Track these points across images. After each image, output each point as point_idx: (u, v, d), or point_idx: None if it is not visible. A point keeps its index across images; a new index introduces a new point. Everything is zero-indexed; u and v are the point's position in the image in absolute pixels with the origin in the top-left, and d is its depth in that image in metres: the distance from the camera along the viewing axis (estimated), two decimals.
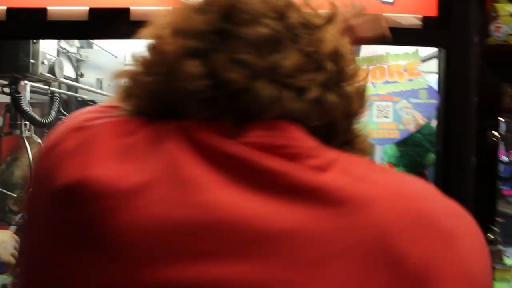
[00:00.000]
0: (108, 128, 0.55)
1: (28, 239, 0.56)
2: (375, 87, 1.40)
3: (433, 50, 1.50)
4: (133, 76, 0.57)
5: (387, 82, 1.40)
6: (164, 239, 0.46)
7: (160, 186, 0.48)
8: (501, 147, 1.69)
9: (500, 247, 1.45)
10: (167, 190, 0.48)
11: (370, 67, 1.39)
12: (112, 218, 0.46)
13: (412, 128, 1.43)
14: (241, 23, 0.54)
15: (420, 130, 1.56)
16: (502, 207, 2.22)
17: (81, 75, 1.84)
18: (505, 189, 2.01)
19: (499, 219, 1.69)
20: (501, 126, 1.54)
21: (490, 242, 1.41)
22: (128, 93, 0.58)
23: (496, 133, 1.39)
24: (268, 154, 0.50)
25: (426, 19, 1.27)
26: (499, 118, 1.45)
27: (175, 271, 0.46)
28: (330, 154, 0.53)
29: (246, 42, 0.53)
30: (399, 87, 1.40)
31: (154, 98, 0.56)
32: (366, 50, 1.50)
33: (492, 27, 1.38)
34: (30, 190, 0.55)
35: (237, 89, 0.52)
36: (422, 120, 1.43)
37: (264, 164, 0.49)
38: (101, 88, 1.96)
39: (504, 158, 1.70)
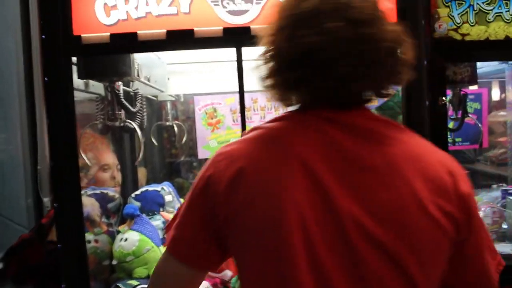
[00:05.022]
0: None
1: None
2: None
3: None
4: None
5: None
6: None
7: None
8: (450, 109, 2.21)
9: None
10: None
11: None
12: None
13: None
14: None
15: (392, 99, 2.05)
16: None
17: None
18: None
19: None
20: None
21: None
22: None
23: (444, 98, 1.88)
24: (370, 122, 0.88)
25: None
26: (446, 87, 1.91)
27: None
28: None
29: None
30: None
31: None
32: None
33: (437, 25, 1.88)
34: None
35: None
36: (392, 92, 1.98)
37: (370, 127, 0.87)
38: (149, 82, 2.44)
39: (453, 116, 2.12)
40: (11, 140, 2.73)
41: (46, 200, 2.45)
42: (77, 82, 1.94)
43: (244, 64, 1.82)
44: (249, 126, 2.60)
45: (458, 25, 1.88)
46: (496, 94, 3.01)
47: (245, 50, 1.82)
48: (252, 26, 1.79)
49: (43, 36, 1.76)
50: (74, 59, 1.84)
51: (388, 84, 0.92)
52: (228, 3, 1.75)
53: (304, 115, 0.90)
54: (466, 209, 0.87)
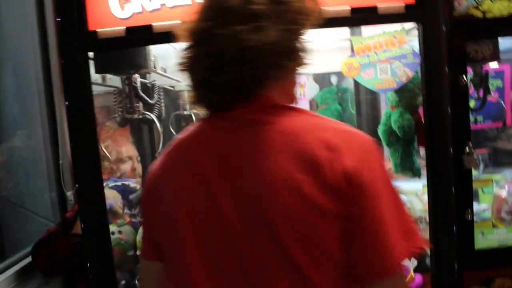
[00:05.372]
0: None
1: None
2: (377, 54, 1.94)
3: (413, 25, 1.94)
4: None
5: (385, 50, 1.93)
6: None
7: None
8: (472, 87, 2.16)
9: (474, 155, 1.85)
10: None
11: (372, 42, 1.93)
12: None
13: (404, 79, 1.95)
14: None
15: (411, 80, 1.99)
16: None
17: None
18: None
19: None
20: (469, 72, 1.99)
21: (468, 153, 1.86)
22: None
23: (464, 77, 1.84)
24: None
25: (407, 6, 1.76)
26: (466, 66, 1.88)
27: None
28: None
29: None
30: (393, 53, 1.91)
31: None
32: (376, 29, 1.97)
33: (456, 3, 1.82)
34: None
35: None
36: (410, 74, 1.95)
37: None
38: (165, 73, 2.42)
39: (475, 95, 2.05)
40: (32, 136, 2.76)
41: (69, 194, 2.51)
42: (95, 76, 1.95)
43: None
44: None
45: (479, 2, 1.83)
46: None
47: None
48: None
49: (60, 33, 1.77)
50: (91, 54, 1.85)
51: (275, 64, 0.92)
52: None
53: (207, 118, 1.00)
54: (353, 185, 0.83)
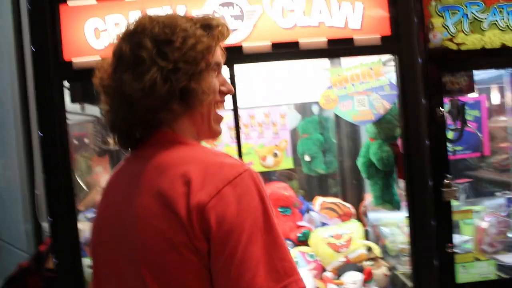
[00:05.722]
0: None
1: None
2: (355, 86, 1.95)
3: (389, 56, 1.95)
4: None
5: (362, 82, 1.95)
6: None
7: None
8: (449, 118, 2.16)
9: (454, 187, 1.84)
10: None
11: (349, 73, 1.94)
12: None
13: (382, 111, 1.96)
14: None
15: (389, 111, 2.00)
16: None
17: None
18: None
19: None
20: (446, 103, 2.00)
21: (447, 185, 1.85)
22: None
23: (442, 109, 1.85)
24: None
25: (383, 38, 1.79)
26: (443, 97, 1.88)
27: None
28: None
29: None
30: (370, 85, 1.93)
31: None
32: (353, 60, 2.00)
33: (431, 35, 1.85)
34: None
35: None
36: (388, 105, 1.96)
37: None
38: None
39: (452, 126, 2.01)
40: (9, 165, 2.72)
41: (44, 225, 2.45)
42: (74, 105, 1.93)
43: (239, 81, 1.80)
44: (246, 142, 2.61)
45: (453, 34, 1.86)
46: (495, 99, 2.97)
47: (238, 68, 1.80)
48: (244, 45, 1.78)
49: (34, 62, 1.75)
50: (67, 83, 1.83)
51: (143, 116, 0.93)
52: None
53: (128, 155, 1.03)
54: (208, 221, 0.79)
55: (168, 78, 0.88)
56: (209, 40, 0.94)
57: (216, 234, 0.79)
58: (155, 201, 0.84)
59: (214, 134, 1.02)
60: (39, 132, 1.77)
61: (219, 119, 1.03)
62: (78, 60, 1.75)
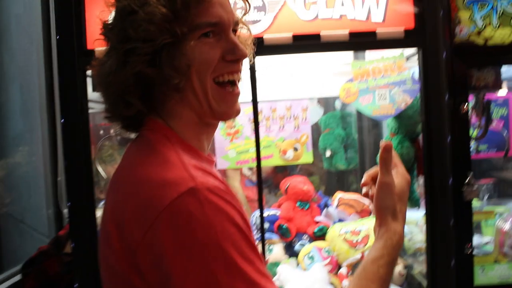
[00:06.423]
0: None
1: None
2: (376, 80, 1.91)
3: (413, 50, 1.92)
4: None
5: (384, 76, 1.91)
6: None
7: None
8: (474, 116, 2.10)
9: (475, 187, 1.79)
10: None
11: (371, 67, 1.90)
12: None
13: (403, 106, 1.92)
14: None
15: (411, 107, 1.96)
16: None
17: None
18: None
19: None
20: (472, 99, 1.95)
21: (468, 184, 1.81)
22: None
23: (466, 105, 1.80)
24: None
25: (406, 31, 1.74)
26: (467, 93, 1.84)
27: None
28: None
29: None
30: (392, 79, 1.90)
31: None
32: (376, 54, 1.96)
33: (457, 29, 1.81)
34: None
35: None
36: (409, 100, 1.91)
37: None
38: None
39: (477, 124, 1.95)
40: (34, 152, 2.78)
41: (66, 211, 2.50)
42: (96, 94, 1.95)
43: (261, 73, 1.79)
44: (267, 136, 2.60)
45: (481, 29, 1.81)
46: None
47: (259, 60, 1.79)
48: (265, 36, 1.76)
49: (58, 50, 1.78)
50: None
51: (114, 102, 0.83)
52: None
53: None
54: (151, 246, 0.66)
55: (125, 62, 0.77)
56: None
57: (164, 263, 0.66)
58: (113, 221, 0.75)
59: (220, 115, 0.84)
60: (61, 119, 1.80)
61: (224, 95, 0.83)
62: (102, 49, 1.76)
